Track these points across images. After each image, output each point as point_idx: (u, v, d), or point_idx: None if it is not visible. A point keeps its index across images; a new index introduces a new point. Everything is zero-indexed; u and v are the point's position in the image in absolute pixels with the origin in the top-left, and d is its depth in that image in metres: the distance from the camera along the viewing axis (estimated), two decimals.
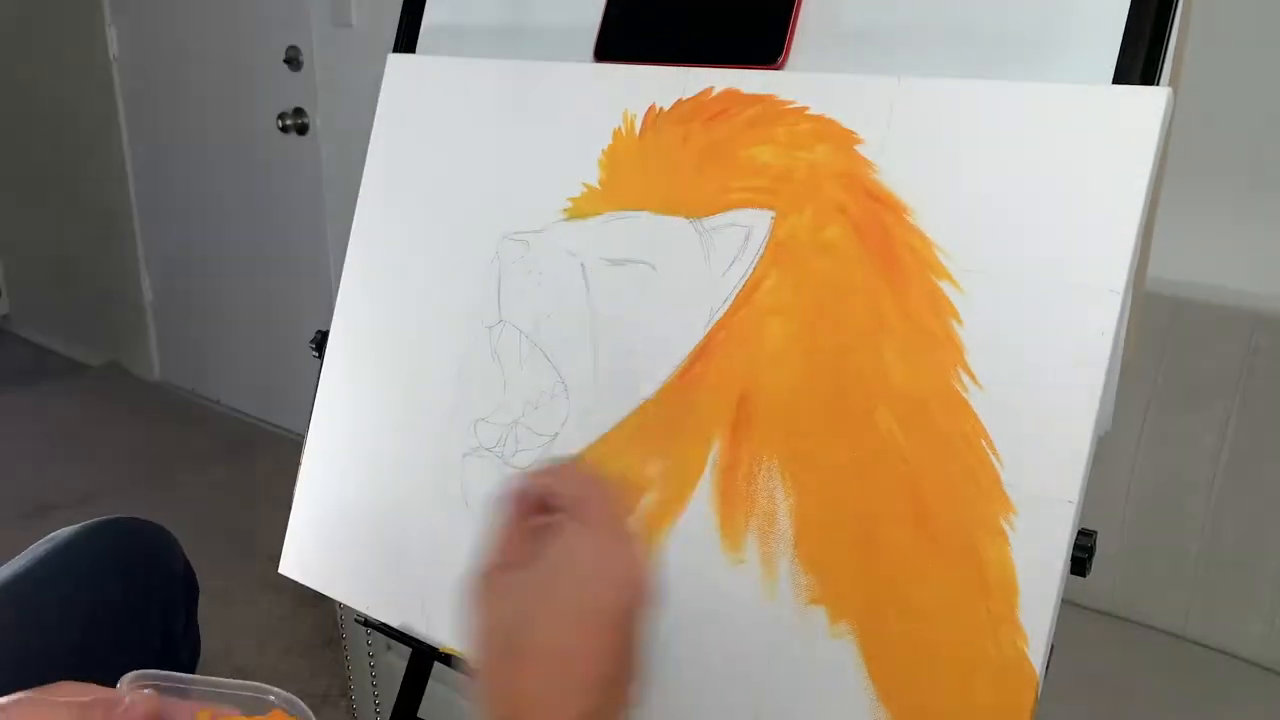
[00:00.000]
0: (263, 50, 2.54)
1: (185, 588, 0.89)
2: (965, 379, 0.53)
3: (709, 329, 0.60)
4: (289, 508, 0.79)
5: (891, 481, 0.54)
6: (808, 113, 0.59)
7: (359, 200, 0.78)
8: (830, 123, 0.58)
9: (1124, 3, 0.52)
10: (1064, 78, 0.53)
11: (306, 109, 2.48)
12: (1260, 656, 1.16)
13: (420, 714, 0.78)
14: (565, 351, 0.66)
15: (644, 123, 0.64)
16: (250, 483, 2.49)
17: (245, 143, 2.72)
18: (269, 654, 1.83)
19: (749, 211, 0.60)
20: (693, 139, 0.62)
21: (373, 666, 1.38)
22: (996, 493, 0.51)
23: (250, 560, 2.10)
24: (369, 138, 0.77)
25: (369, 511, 0.74)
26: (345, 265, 0.78)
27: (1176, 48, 0.52)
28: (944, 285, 0.54)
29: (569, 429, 0.65)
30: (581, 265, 0.66)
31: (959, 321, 0.53)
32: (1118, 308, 0.49)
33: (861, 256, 0.56)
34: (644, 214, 0.64)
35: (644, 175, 0.64)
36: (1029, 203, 0.52)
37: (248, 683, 0.56)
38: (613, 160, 0.65)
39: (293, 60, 2.47)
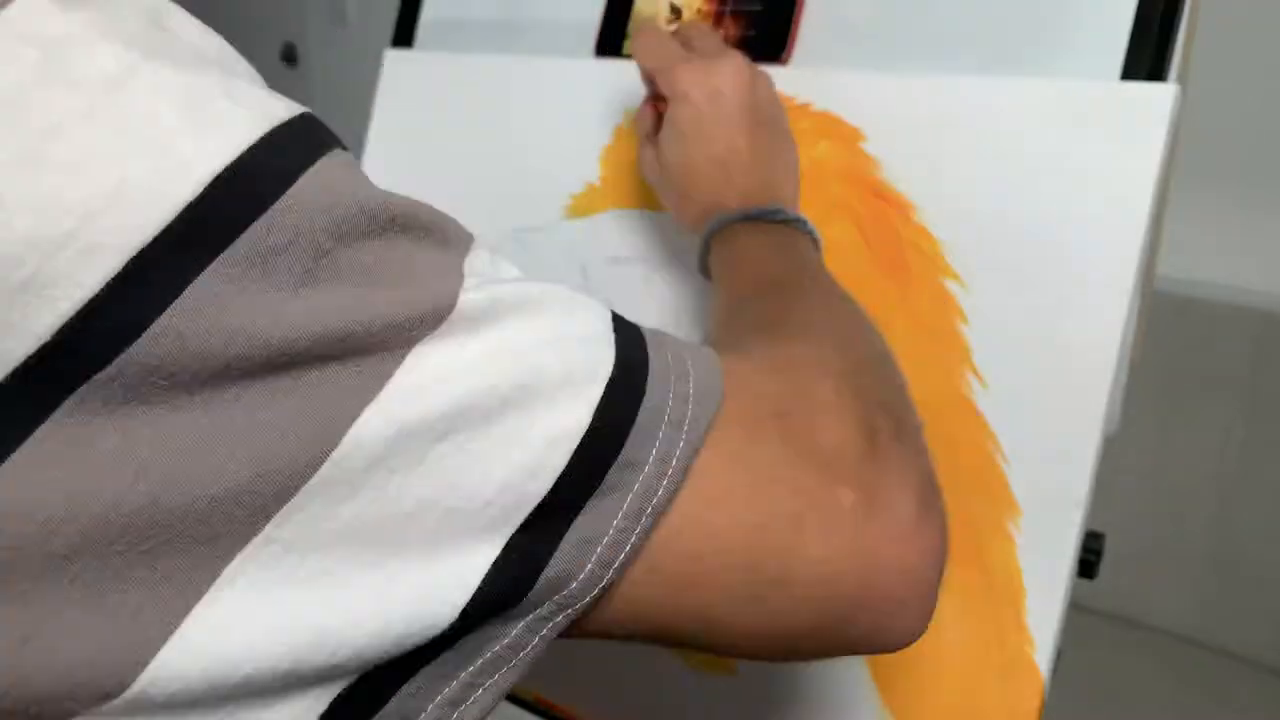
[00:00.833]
0: (259, 47, 2.54)
1: None
2: (971, 379, 0.52)
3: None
4: None
5: None
6: (811, 109, 0.58)
7: None
8: (834, 120, 0.57)
9: None
10: (1071, 74, 0.52)
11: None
12: (1269, 660, 1.16)
13: None
14: None
15: None
16: None
17: None
18: None
19: None
20: None
21: None
22: (1003, 494, 0.51)
23: None
24: (366, 134, 0.77)
25: None
26: None
27: (1184, 43, 0.51)
28: (950, 284, 0.53)
29: None
30: (582, 264, 0.65)
31: (965, 321, 0.52)
32: (1126, 306, 0.49)
33: (866, 255, 0.55)
34: (645, 212, 0.63)
35: None
36: (1036, 200, 0.51)
37: None
38: (614, 158, 0.65)
39: (289, 57, 2.46)
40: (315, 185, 0.25)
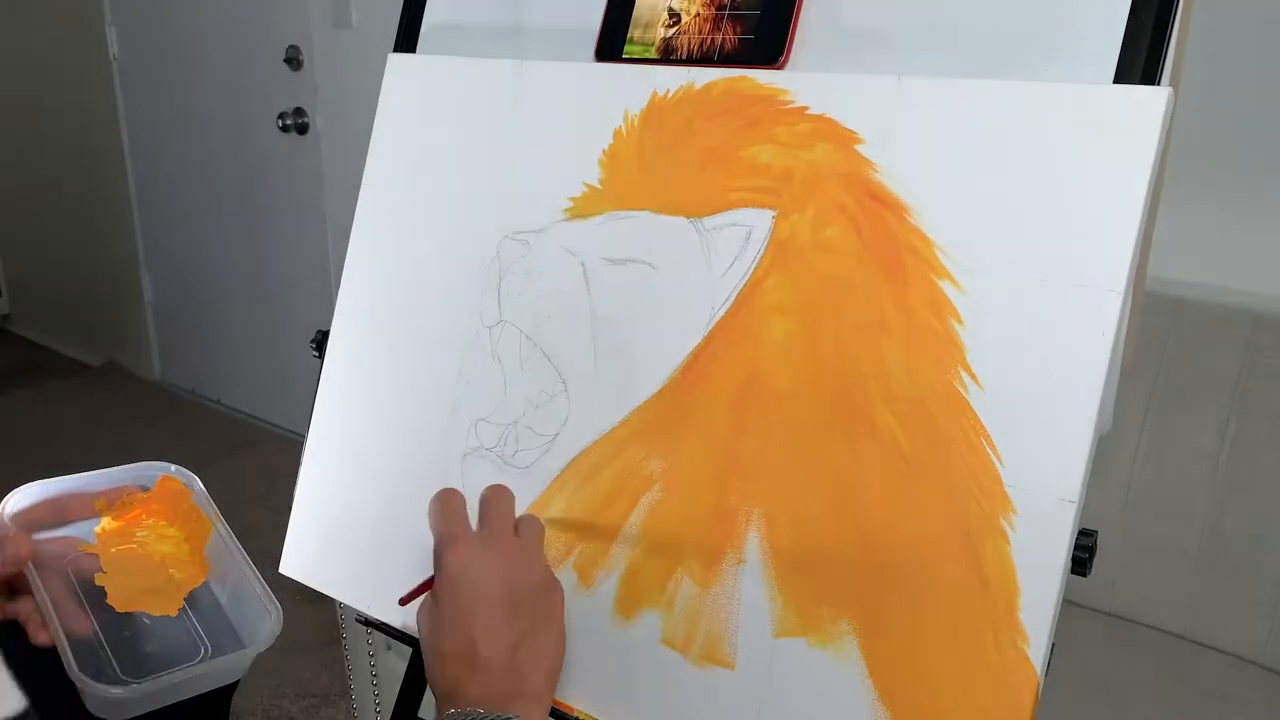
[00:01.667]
0: (263, 50, 2.54)
1: None
2: (966, 379, 0.53)
3: (709, 329, 0.60)
4: (289, 508, 0.79)
5: (891, 481, 0.54)
6: (808, 112, 0.59)
7: (359, 200, 0.78)
8: (831, 122, 0.58)
9: (1125, 2, 0.52)
10: (1065, 77, 0.53)
11: (306, 109, 2.48)
12: (1260, 656, 1.16)
13: (420, 714, 0.78)
14: (565, 351, 0.66)
15: (645, 123, 0.64)
16: (250, 483, 2.49)
17: (245, 143, 2.72)
18: (269, 653, 1.83)
19: (750, 211, 0.60)
20: (694, 139, 0.62)
21: (373, 666, 1.37)
22: (997, 492, 0.51)
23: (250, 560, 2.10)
24: (369, 138, 0.77)
25: (369, 511, 0.74)
26: (345, 265, 0.78)
27: (1177, 47, 0.52)
28: (945, 285, 0.54)
29: (569, 429, 0.65)
30: (582, 265, 0.66)
31: (960, 321, 0.53)
32: (1118, 308, 0.49)
33: (862, 256, 0.56)
34: (645, 214, 0.64)
35: (645, 175, 0.64)
36: (1030, 202, 0.52)
37: (138, 464, 0.63)
38: (613, 160, 0.65)
39: (293, 60, 2.47)
40: None
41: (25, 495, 0.58)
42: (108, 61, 3.05)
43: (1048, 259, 0.51)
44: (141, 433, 2.95)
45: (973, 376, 0.53)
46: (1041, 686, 0.50)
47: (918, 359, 0.54)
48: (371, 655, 1.35)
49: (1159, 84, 0.51)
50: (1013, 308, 0.52)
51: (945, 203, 0.54)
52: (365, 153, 0.78)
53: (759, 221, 0.59)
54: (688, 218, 0.62)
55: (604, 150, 0.66)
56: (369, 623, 0.73)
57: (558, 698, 0.63)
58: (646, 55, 0.66)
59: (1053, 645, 0.50)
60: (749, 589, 0.58)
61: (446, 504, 0.61)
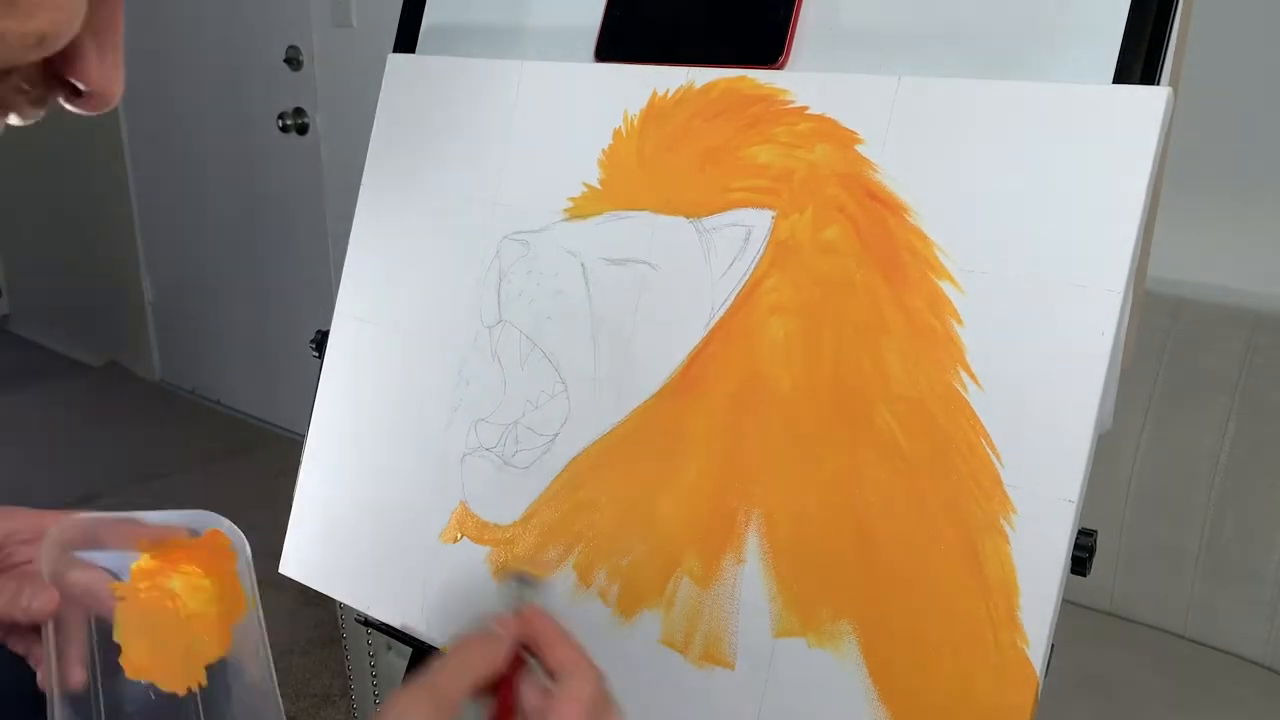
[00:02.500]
0: (263, 50, 2.55)
1: None
2: (965, 379, 0.53)
3: (709, 329, 0.61)
4: (289, 508, 0.79)
5: (891, 481, 0.54)
6: (808, 112, 0.59)
7: (359, 200, 0.78)
8: (831, 122, 0.58)
9: (1124, 2, 0.52)
10: (1064, 77, 0.53)
11: (306, 109, 2.49)
12: (1261, 656, 1.16)
13: None
14: (565, 351, 0.66)
15: (644, 123, 0.64)
16: (250, 483, 2.49)
17: (245, 143, 2.72)
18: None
19: (749, 211, 0.60)
20: (693, 139, 0.62)
21: (373, 666, 1.37)
22: (997, 492, 0.51)
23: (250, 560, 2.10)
24: (369, 138, 0.77)
25: (369, 511, 0.74)
26: (345, 265, 0.78)
27: (1177, 47, 0.52)
28: (944, 285, 0.54)
29: (569, 429, 0.65)
30: (582, 265, 0.66)
31: (959, 321, 0.53)
32: (1118, 307, 0.49)
33: (862, 256, 0.56)
34: (644, 214, 0.64)
35: (644, 175, 0.64)
36: (1029, 202, 0.52)
37: (194, 511, 0.60)
38: (613, 160, 0.65)
39: (293, 60, 2.47)
40: None
41: (73, 524, 0.57)
42: None
43: (1048, 259, 0.51)
44: (141, 433, 2.95)
45: (972, 376, 0.53)
46: (1041, 686, 0.50)
47: (917, 359, 0.54)
48: (371, 655, 1.36)
49: (1159, 84, 0.51)
50: (1012, 308, 0.52)
51: (945, 203, 0.54)
52: (365, 153, 0.78)
53: (759, 221, 0.59)
54: (687, 218, 0.62)
55: (604, 150, 0.66)
56: (369, 623, 0.73)
57: None
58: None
59: (1052, 645, 0.50)
60: (749, 589, 0.58)
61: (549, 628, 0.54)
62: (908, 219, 0.55)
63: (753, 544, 0.58)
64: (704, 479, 0.60)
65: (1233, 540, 1.17)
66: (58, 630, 0.53)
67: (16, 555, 0.60)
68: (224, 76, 2.72)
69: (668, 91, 0.64)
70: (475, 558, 0.68)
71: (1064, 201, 0.51)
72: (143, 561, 0.57)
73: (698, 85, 0.63)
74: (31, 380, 3.37)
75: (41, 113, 0.34)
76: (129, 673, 0.55)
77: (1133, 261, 0.49)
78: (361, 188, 0.78)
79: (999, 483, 0.51)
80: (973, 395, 0.52)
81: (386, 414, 0.74)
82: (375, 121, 0.77)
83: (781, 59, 0.61)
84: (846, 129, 0.57)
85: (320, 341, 0.80)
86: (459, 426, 0.70)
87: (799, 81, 0.59)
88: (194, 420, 3.07)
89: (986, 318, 0.52)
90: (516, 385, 0.68)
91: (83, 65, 0.32)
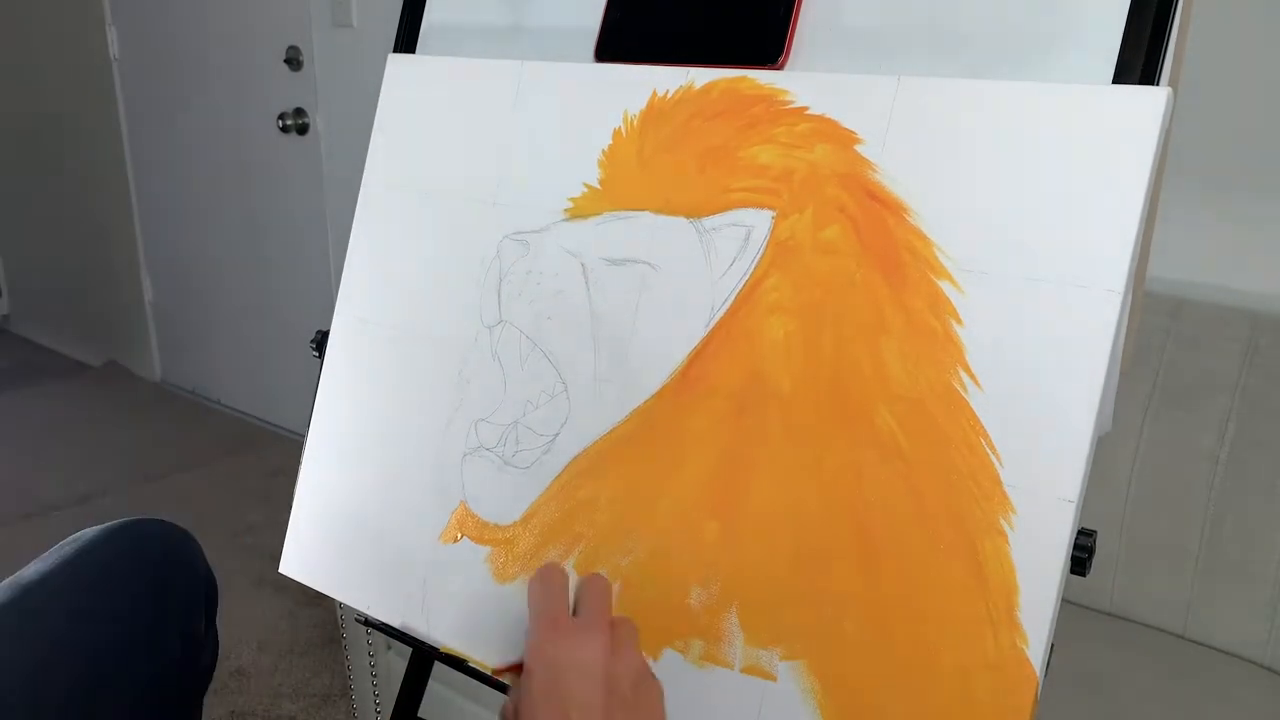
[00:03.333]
0: (263, 51, 2.55)
1: (207, 590, 0.90)
2: (965, 379, 0.53)
3: (709, 329, 0.61)
4: (289, 508, 0.79)
5: (891, 481, 0.54)
6: (808, 113, 0.59)
7: (359, 200, 0.78)
8: (830, 122, 0.58)
9: (1124, 2, 0.52)
10: (1064, 77, 0.53)
11: (306, 109, 2.49)
12: (1260, 656, 1.16)
13: (420, 714, 0.78)
14: (565, 351, 0.66)
15: (644, 123, 0.64)
16: (250, 483, 2.49)
17: (245, 143, 2.72)
18: (269, 654, 1.83)
19: (749, 211, 0.60)
20: (693, 139, 0.62)
21: (373, 666, 1.38)
22: (996, 492, 0.51)
23: (250, 560, 2.11)
24: (369, 138, 0.77)
25: (369, 511, 0.74)
26: (345, 265, 0.78)
27: (1176, 47, 0.52)
28: (944, 285, 0.54)
29: (569, 429, 0.65)
30: (582, 265, 0.66)
31: (959, 322, 0.53)
32: (1118, 308, 0.49)
33: (862, 256, 0.56)
34: (644, 214, 0.64)
35: (644, 175, 0.64)
36: (1029, 202, 0.52)
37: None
38: (613, 160, 0.65)
39: (293, 60, 2.47)
40: None
41: None
42: (108, 61, 3.05)
43: (1047, 259, 0.51)
44: (141, 433, 2.95)
45: (972, 377, 0.53)
46: (1041, 686, 0.50)
47: (917, 359, 0.54)
48: (371, 655, 1.36)
49: (1159, 84, 0.51)
50: (1012, 308, 0.52)
51: (945, 203, 0.54)
52: (365, 153, 0.78)
53: (758, 222, 0.59)
54: (687, 218, 0.62)
55: (603, 150, 0.66)
56: (369, 623, 0.73)
57: None
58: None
59: (1052, 645, 0.50)
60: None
61: (550, 582, 0.60)
62: (907, 219, 0.55)
63: (751, 544, 0.58)
64: (703, 478, 0.60)
65: (1233, 540, 1.17)
66: None
67: None
68: (224, 76, 2.72)
69: (668, 92, 0.64)
70: (475, 558, 0.68)
71: (1064, 201, 0.51)
72: None
73: (697, 85, 0.63)
74: (31, 380, 3.37)
75: None
76: None
77: (1133, 262, 0.49)
78: (362, 188, 0.78)
79: (998, 483, 0.51)
80: (972, 395, 0.52)
81: (386, 414, 0.74)
82: (375, 121, 0.77)
83: (781, 59, 0.61)
84: (846, 129, 0.57)
85: (320, 341, 0.80)
86: (459, 427, 0.70)
87: (799, 82, 0.60)
88: (194, 420, 3.07)
89: (986, 318, 0.52)
90: (517, 385, 0.68)
91: None
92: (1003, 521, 0.51)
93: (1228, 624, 1.18)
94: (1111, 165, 0.50)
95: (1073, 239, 0.51)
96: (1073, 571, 0.51)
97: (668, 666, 0.60)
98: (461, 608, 0.68)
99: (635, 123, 0.65)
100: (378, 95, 0.78)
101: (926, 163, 0.55)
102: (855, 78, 0.58)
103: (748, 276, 0.60)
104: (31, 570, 0.80)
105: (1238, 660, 1.17)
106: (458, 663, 0.68)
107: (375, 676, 1.38)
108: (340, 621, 1.52)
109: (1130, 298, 0.51)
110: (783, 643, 0.57)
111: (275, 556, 0.79)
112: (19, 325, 3.85)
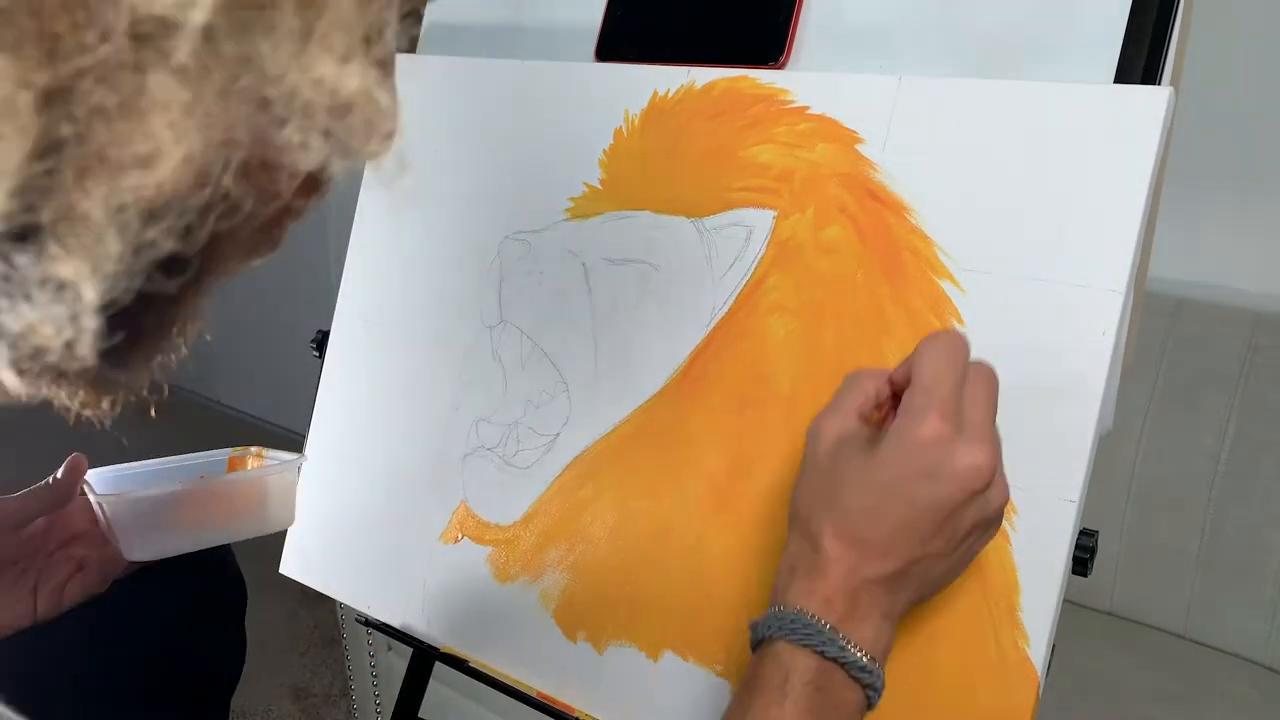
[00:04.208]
0: None
1: (238, 591, 0.89)
2: None
3: (710, 329, 0.60)
4: None
5: None
6: (809, 112, 0.59)
7: (359, 200, 0.78)
8: (831, 122, 0.58)
9: (1125, 2, 0.52)
10: (1065, 77, 0.53)
11: None
12: (1261, 656, 1.16)
13: (420, 714, 0.78)
14: (566, 351, 0.66)
15: (645, 122, 0.64)
16: None
17: None
18: (269, 653, 1.83)
19: (750, 211, 0.60)
20: (694, 139, 0.62)
21: (373, 666, 1.37)
22: None
23: (250, 560, 2.10)
24: None
25: (370, 511, 0.74)
26: (345, 265, 0.78)
27: (1178, 47, 0.52)
28: (945, 285, 0.54)
29: (570, 429, 0.65)
30: (583, 265, 0.66)
31: (960, 321, 0.53)
32: (1119, 308, 0.49)
33: (863, 256, 0.56)
34: (645, 214, 0.64)
35: (645, 175, 0.64)
36: (1030, 202, 0.52)
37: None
38: (614, 160, 0.65)
39: None
40: None
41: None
42: None
43: (1048, 259, 0.51)
44: (141, 433, 2.95)
45: None
46: (1042, 686, 0.50)
47: None
48: (371, 655, 1.35)
49: (1159, 84, 0.51)
50: (1013, 308, 0.52)
51: (945, 203, 0.54)
52: None
53: (759, 221, 0.59)
54: (688, 218, 0.62)
55: (604, 150, 0.66)
56: (369, 623, 0.73)
57: (556, 695, 0.63)
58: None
59: (1053, 645, 0.50)
60: (748, 589, 0.58)
61: (958, 350, 0.46)
62: (908, 219, 0.55)
63: (752, 544, 0.58)
64: (704, 478, 0.60)
65: (1233, 540, 1.17)
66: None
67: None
68: None
69: (668, 91, 0.64)
70: (476, 558, 0.68)
71: (1065, 201, 0.51)
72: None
73: (698, 85, 0.63)
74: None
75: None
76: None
77: (1133, 261, 0.49)
78: (362, 188, 0.78)
79: None
80: None
81: (387, 414, 0.74)
82: None
83: (782, 59, 0.61)
84: (847, 129, 0.57)
85: (320, 341, 0.80)
86: (460, 426, 0.70)
87: (800, 81, 0.59)
88: (194, 420, 3.07)
89: (987, 318, 0.52)
90: (518, 385, 0.68)
91: None
92: (1004, 522, 0.51)
93: (1228, 624, 1.18)
94: (1113, 165, 0.50)
95: (1074, 239, 0.51)
96: (1074, 572, 0.51)
97: (668, 667, 0.60)
98: (462, 608, 0.68)
99: (636, 122, 0.65)
100: None
101: (927, 162, 0.55)
102: (856, 77, 0.58)
103: (749, 276, 0.59)
104: None
105: (1238, 660, 1.17)
106: (458, 663, 0.68)
107: (375, 676, 1.38)
108: (340, 621, 1.51)
109: (1132, 297, 0.51)
110: None
111: (275, 557, 0.79)
112: None
